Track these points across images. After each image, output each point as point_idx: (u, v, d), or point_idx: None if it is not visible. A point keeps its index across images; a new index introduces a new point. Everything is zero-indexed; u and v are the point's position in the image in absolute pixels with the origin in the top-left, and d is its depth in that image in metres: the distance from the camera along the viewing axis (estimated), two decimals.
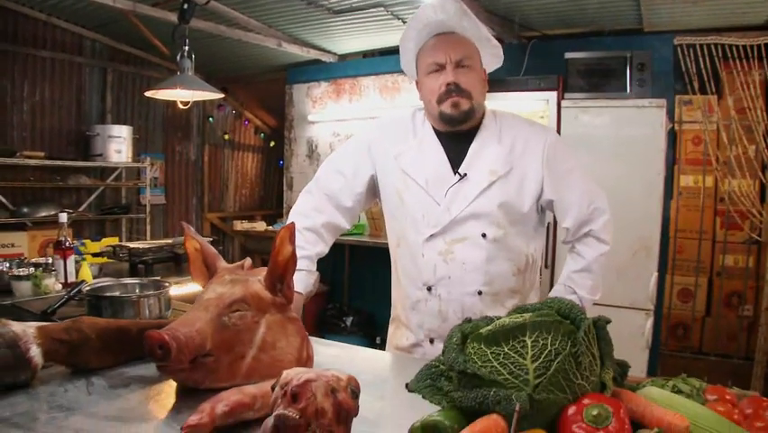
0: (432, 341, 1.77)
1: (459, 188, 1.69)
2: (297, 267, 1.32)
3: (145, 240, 5.08)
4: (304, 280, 1.66)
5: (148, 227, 5.44)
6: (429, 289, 1.74)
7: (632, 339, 3.57)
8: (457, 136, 1.73)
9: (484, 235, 1.68)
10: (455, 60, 1.64)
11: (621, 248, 3.68)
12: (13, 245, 4.44)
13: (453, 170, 1.71)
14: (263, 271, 1.30)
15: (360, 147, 1.86)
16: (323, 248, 1.80)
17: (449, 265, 1.70)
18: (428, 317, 1.76)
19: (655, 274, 3.69)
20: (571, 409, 0.87)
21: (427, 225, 1.72)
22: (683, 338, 4.53)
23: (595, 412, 0.85)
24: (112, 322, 1.40)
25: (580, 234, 1.76)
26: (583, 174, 1.76)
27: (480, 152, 1.71)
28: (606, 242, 1.75)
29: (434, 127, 1.77)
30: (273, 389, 0.87)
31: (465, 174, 1.69)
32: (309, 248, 1.74)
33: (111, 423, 1.06)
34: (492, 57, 1.77)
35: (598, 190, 1.77)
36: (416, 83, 1.79)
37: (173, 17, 3.67)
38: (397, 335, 1.88)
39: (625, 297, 3.66)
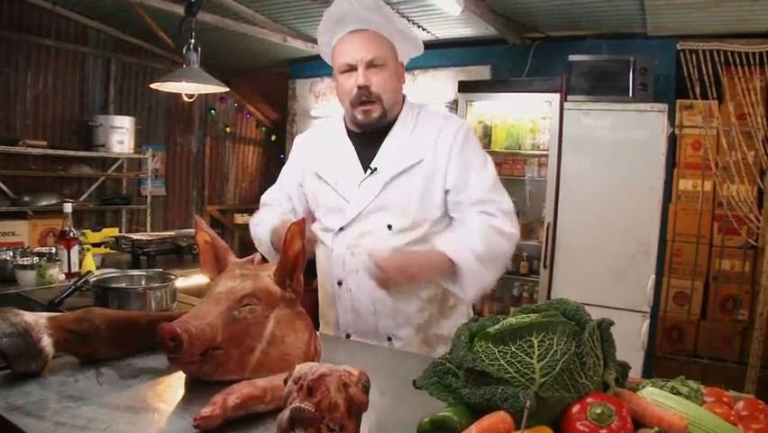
0: (348, 336, 1.80)
1: (368, 183, 1.72)
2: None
3: (145, 231, 5.09)
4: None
5: (148, 219, 5.46)
6: (340, 283, 1.77)
7: (628, 341, 3.60)
8: (371, 134, 1.76)
9: (390, 227, 1.69)
10: (366, 61, 1.67)
11: (620, 250, 3.71)
12: (13, 234, 4.44)
13: (365, 166, 1.73)
14: (273, 267, 1.31)
15: (293, 156, 1.96)
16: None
17: (356, 258, 1.71)
18: (342, 313, 1.79)
19: (652, 277, 3.72)
20: (576, 408, 0.90)
21: (337, 221, 1.75)
22: (678, 341, 4.56)
23: (599, 411, 0.88)
24: (121, 314, 1.42)
25: (472, 210, 1.67)
26: (490, 169, 1.72)
27: (392, 147, 1.73)
28: (508, 236, 1.65)
29: (347, 128, 1.82)
30: (286, 382, 0.89)
31: (375, 169, 1.71)
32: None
33: (123, 413, 1.08)
34: (411, 48, 1.78)
35: (502, 189, 1.71)
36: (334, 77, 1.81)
37: (179, 9, 3.67)
38: (323, 333, 1.89)
39: (622, 299, 3.69)
